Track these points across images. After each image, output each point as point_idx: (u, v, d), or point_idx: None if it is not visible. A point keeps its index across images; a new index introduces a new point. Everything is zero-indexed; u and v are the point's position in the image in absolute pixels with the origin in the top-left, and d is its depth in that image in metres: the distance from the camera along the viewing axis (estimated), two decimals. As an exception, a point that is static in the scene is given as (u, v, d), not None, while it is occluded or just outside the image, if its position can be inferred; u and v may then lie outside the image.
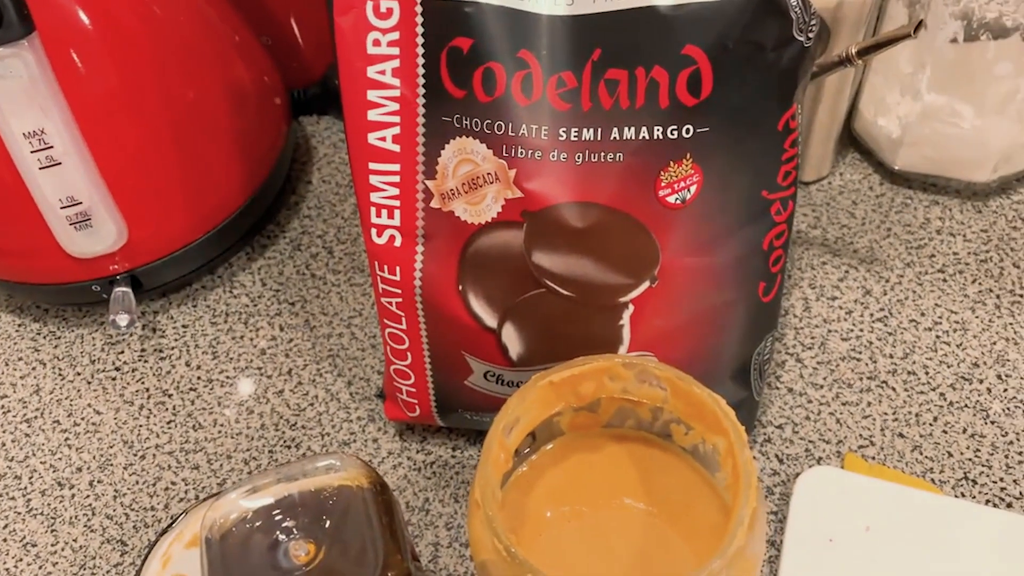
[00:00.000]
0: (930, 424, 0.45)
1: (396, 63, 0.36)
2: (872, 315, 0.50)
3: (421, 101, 0.36)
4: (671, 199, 0.37)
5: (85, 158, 0.45)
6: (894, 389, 0.47)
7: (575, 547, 0.34)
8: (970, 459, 0.44)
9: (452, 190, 0.37)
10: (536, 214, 0.37)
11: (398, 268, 0.39)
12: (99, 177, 0.46)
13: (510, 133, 0.36)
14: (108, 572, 0.44)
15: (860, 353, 0.48)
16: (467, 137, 0.36)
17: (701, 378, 0.33)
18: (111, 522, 0.46)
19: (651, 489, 0.36)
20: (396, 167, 0.38)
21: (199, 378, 0.51)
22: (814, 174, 0.56)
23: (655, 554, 0.34)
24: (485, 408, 0.43)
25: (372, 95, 0.37)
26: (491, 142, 0.36)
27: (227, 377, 0.50)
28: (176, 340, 0.52)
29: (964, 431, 0.45)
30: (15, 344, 0.53)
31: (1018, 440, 0.45)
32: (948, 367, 0.47)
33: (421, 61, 0.36)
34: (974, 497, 0.43)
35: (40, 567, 0.44)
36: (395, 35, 0.36)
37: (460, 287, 0.39)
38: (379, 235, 0.39)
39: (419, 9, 0.35)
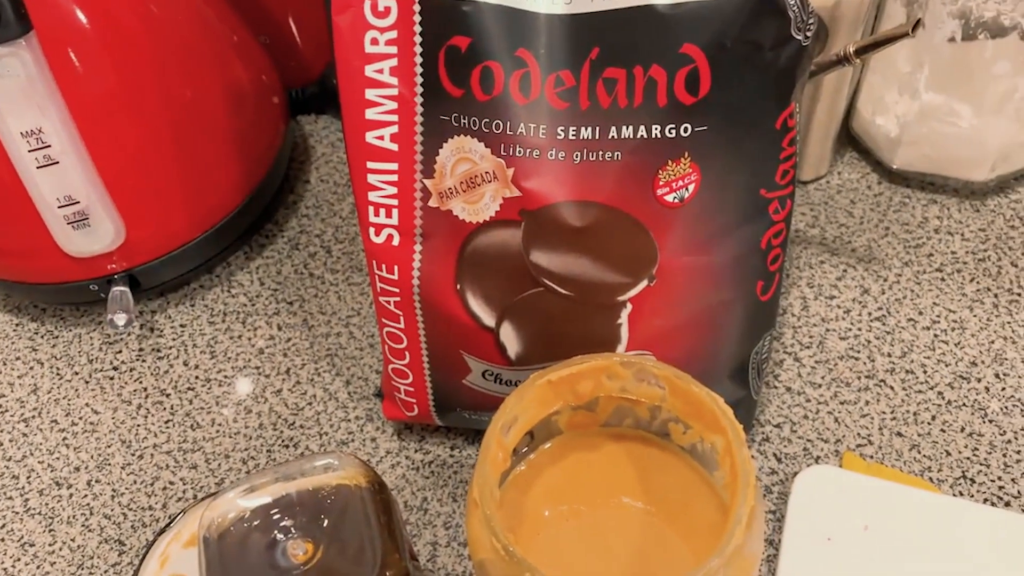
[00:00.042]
0: (928, 423, 0.45)
1: (394, 62, 0.36)
2: (870, 314, 0.50)
3: (419, 100, 0.36)
4: (669, 198, 0.37)
5: (83, 157, 0.45)
6: (892, 388, 0.47)
7: (573, 546, 0.34)
8: (968, 458, 0.44)
9: (450, 189, 0.37)
10: (534, 213, 0.37)
11: (396, 267, 0.39)
12: (97, 176, 0.46)
13: (508, 132, 0.36)
14: (106, 572, 0.44)
15: (858, 352, 0.48)
16: (465, 136, 0.36)
17: (699, 377, 0.33)
18: (109, 522, 0.45)
19: (649, 488, 0.36)
20: (394, 166, 0.38)
21: (197, 377, 0.50)
22: (812, 173, 0.56)
23: (653, 553, 0.34)
24: (483, 407, 0.43)
25: (370, 94, 0.37)
26: (489, 141, 0.36)
27: (225, 376, 0.50)
28: (174, 339, 0.52)
29: (962, 430, 0.45)
30: (13, 344, 0.53)
31: (1016, 439, 0.45)
32: (946, 366, 0.47)
33: (419, 60, 0.36)
34: (972, 496, 0.43)
35: (38, 567, 0.44)
36: (393, 34, 0.36)
37: (458, 286, 0.39)
38: (377, 234, 0.39)
39: (417, 8, 0.35)
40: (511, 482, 0.36)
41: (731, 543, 0.29)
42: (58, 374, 0.52)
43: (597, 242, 0.37)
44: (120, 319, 0.49)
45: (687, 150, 0.36)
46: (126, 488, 0.47)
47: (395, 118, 0.37)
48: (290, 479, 0.34)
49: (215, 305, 0.54)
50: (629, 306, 0.38)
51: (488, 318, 0.39)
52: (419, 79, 0.36)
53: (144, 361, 0.52)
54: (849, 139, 0.57)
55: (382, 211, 0.38)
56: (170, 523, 0.41)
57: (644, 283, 0.38)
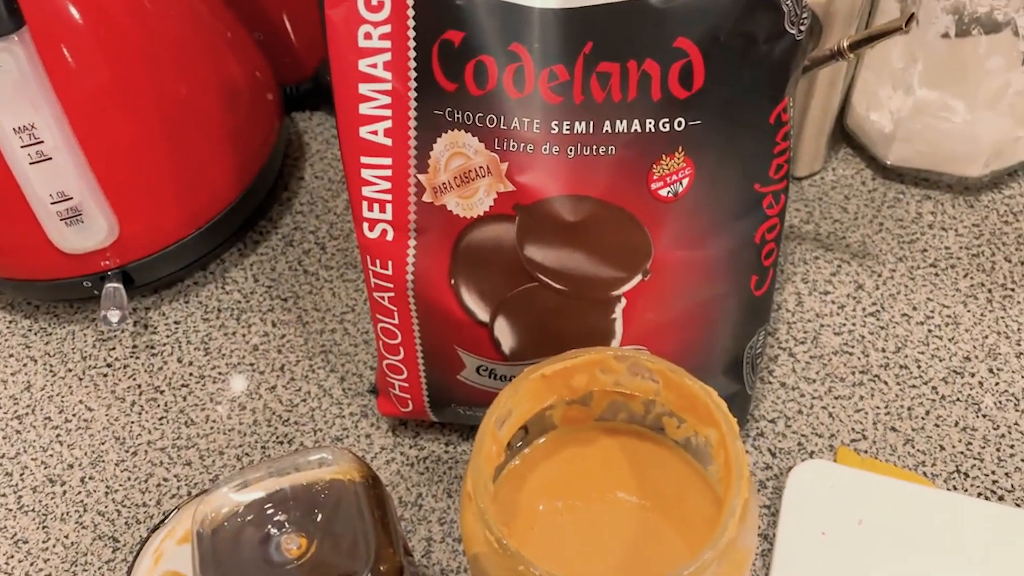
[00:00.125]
0: (922, 418, 0.46)
1: (387, 56, 0.36)
2: (864, 309, 0.50)
3: (413, 94, 0.36)
4: (663, 192, 0.37)
5: (76, 153, 0.45)
6: (886, 383, 0.47)
7: (568, 540, 0.34)
8: (962, 452, 0.44)
9: (444, 184, 0.37)
10: (528, 208, 0.36)
11: (390, 262, 0.39)
12: (90, 172, 0.46)
13: (502, 126, 0.36)
14: (100, 568, 0.44)
15: (852, 347, 0.48)
16: (459, 130, 0.36)
17: (694, 372, 0.33)
18: (103, 518, 0.45)
19: (644, 482, 0.36)
20: (388, 161, 0.38)
21: (191, 374, 0.50)
22: (807, 169, 0.56)
23: (648, 547, 0.34)
24: (478, 403, 0.43)
25: (364, 88, 0.37)
26: (483, 135, 0.36)
27: (219, 373, 0.50)
28: (168, 336, 0.52)
29: (956, 424, 0.45)
30: (6, 341, 0.53)
31: (1010, 433, 0.45)
32: (940, 361, 0.48)
33: (413, 54, 0.36)
34: (966, 490, 0.43)
35: (32, 564, 0.44)
36: (386, 28, 0.36)
37: (452, 281, 0.39)
38: (371, 229, 0.39)
39: (410, 2, 0.35)
40: (505, 477, 0.36)
41: (725, 535, 0.29)
42: (51, 371, 0.51)
43: (591, 237, 0.37)
44: (114, 316, 0.48)
45: (681, 144, 0.36)
46: (120, 485, 0.46)
47: (389, 113, 0.37)
48: (284, 474, 0.34)
49: (209, 302, 0.54)
50: (623, 300, 0.38)
51: (482, 313, 0.39)
52: (413, 73, 0.36)
53: (138, 358, 0.51)
54: (843, 135, 0.57)
55: (376, 206, 0.38)
56: (164, 520, 0.41)
57: (638, 278, 0.38)
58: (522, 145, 0.36)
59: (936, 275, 0.51)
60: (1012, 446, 0.44)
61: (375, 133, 0.37)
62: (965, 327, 0.49)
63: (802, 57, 0.37)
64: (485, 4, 0.35)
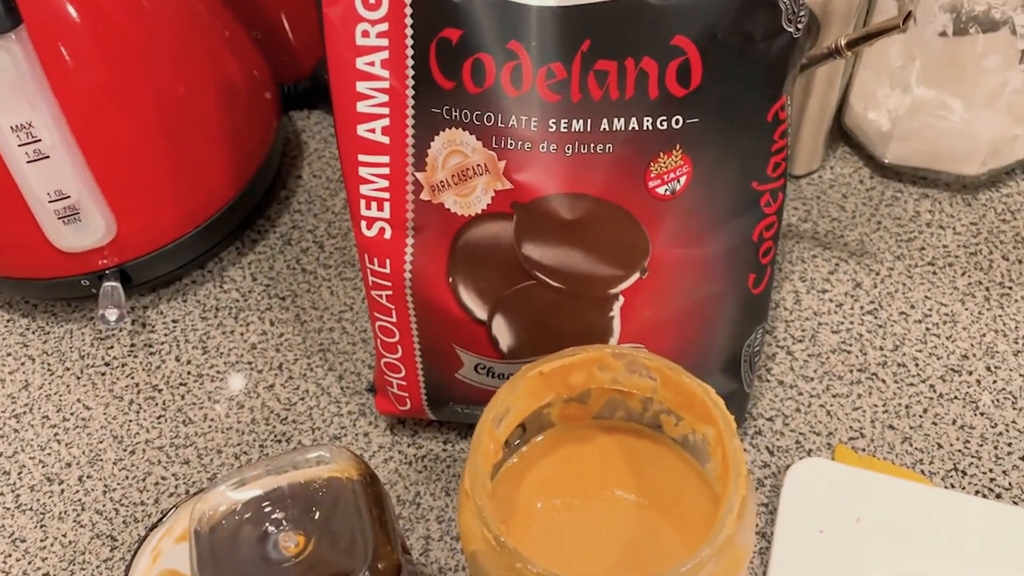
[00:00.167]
0: (920, 416, 0.46)
1: (385, 54, 0.36)
2: (862, 308, 0.50)
3: (410, 92, 0.36)
4: (661, 190, 0.37)
5: (73, 152, 0.45)
6: (884, 381, 0.47)
7: (565, 538, 0.34)
8: (960, 450, 0.44)
9: (442, 182, 0.37)
10: (526, 206, 0.36)
11: (388, 260, 0.39)
12: (87, 171, 0.46)
13: (500, 124, 0.36)
14: (98, 567, 0.44)
15: (850, 346, 0.48)
16: (457, 128, 0.36)
17: (691, 370, 0.33)
18: (101, 517, 0.45)
19: (641, 480, 0.36)
20: (386, 159, 0.38)
21: (189, 373, 0.50)
22: (804, 168, 0.56)
23: (645, 545, 0.34)
24: (476, 401, 0.43)
25: (361, 86, 0.37)
26: (481, 133, 0.36)
27: (217, 372, 0.50)
28: (166, 335, 0.52)
29: (954, 422, 0.45)
30: (3, 340, 0.53)
31: (1007, 431, 0.45)
32: (938, 359, 0.48)
33: (410, 52, 0.36)
34: (964, 488, 0.43)
35: (29, 562, 0.44)
36: (384, 26, 0.36)
37: (450, 279, 0.39)
38: (369, 227, 0.39)
39: (408, 0, 0.35)
40: (503, 475, 0.36)
41: (722, 532, 0.29)
42: (49, 370, 0.51)
43: (589, 235, 0.37)
44: (111, 314, 0.48)
45: (679, 142, 0.36)
46: (118, 484, 0.46)
47: (386, 111, 0.37)
48: (281, 472, 0.34)
49: (207, 301, 0.54)
50: (621, 298, 0.38)
51: (480, 311, 0.39)
52: (410, 71, 0.36)
53: (136, 357, 0.51)
54: (841, 134, 0.57)
55: (374, 204, 0.38)
56: (162, 518, 0.41)
57: (636, 275, 0.38)
58: (520, 143, 0.36)
59: (934, 273, 0.51)
60: (1009, 444, 0.44)
61: (373, 131, 0.37)
62: (963, 325, 0.49)
63: (800, 55, 0.37)
64: (483, 2, 0.35)
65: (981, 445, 0.44)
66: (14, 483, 0.47)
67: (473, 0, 0.34)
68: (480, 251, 0.38)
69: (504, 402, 0.33)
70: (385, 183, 0.38)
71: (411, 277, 0.39)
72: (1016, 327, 0.49)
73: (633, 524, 0.34)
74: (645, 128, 0.35)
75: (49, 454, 0.48)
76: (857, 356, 0.48)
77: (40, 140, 0.44)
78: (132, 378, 0.50)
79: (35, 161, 0.44)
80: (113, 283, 0.49)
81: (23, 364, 0.52)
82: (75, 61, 0.45)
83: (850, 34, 0.42)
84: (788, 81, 0.37)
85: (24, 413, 0.50)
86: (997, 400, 0.46)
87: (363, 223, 0.39)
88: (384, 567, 0.32)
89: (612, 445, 0.36)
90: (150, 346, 0.52)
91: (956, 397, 0.46)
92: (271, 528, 0.33)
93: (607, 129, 0.35)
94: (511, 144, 0.36)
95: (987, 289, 0.50)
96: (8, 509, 0.46)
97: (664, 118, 0.35)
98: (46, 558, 0.44)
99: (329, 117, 0.62)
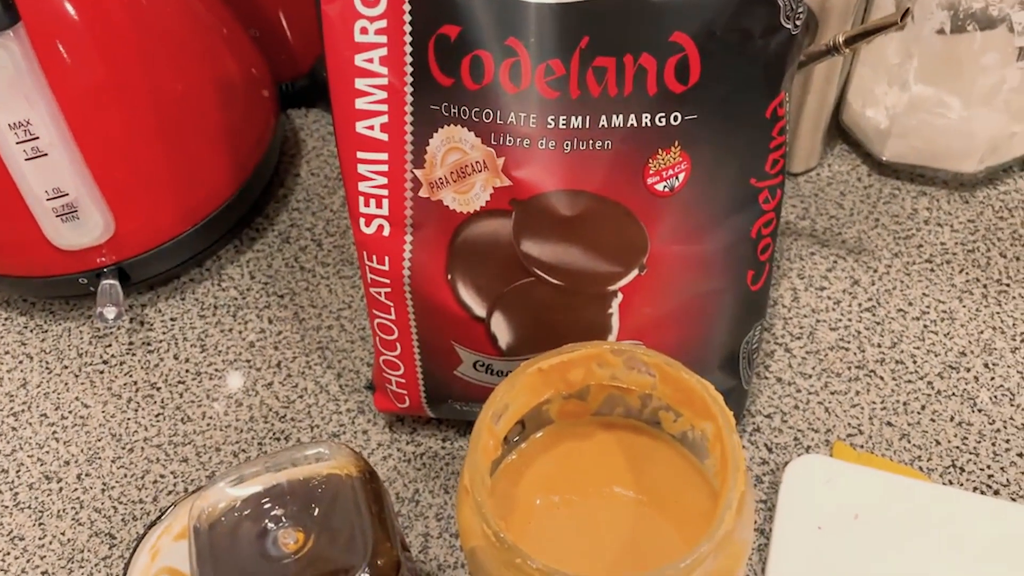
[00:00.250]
0: (918, 412, 0.46)
1: (384, 51, 0.36)
2: (860, 305, 0.50)
3: (409, 89, 0.36)
4: (659, 187, 0.37)
5: (71, 150, 0.45)
6: (882, 378, 0.47)
7: (564, 534, 0.34)
8: (958, 447, 0.44)
9: (441, 179, 0.37)
10: (525, 202, 0.36)
11: (387, 258, 0.39)
12: (85, 169, 0.46)
13: (498, 121, 0.36)
14: (96, 565, 0.44)
15: (848, 343, 0.48)
16: (455, 125, 0.36)
17: (690, 367, 0.33)
18: (99, 515, 0.45)
19: (640, 477, 0.36)
20: (384, 156, 0.38)
21: (187, 371, 0.50)
22: (803, 165, 0.56)
23: (644, 541, 0.34)
24: (475, 398, 0.43)
25: (360, 83, 0.37)
26: (479, 130, 0.36)
27: (216, 370, 0.50)
28: (164, 333, 0.52)
29: (952, 419, 0.45)
30: (1, 338, 0.53)
31: (1005, 428, 0.45)
32: (936, 356, 0.48)
33: (409, 49, 0.36)
34: (962, 484, 0.43)
35: (28, 560, 0.44)
36: (382, 23, 0.36)
37: (449, 276, 0.39)
38: (367, 224, 0.39)
39: (406, -3, 0.35)
40: (502, 471, 0.36)
41: (721, 528, 0.29)
42: (47, 368, 0.51)
43: (588, 231, 0.37)
44: (110, 313, 0.48)
45: (677, 139, 0.36)
46: (116, 482, 0.46)
47: (385, 108, 0.37)
48: (280, 469, 0.34)
49: (205, 299, 0.53)
50: (620, 295, 0.38)
51: (479, 308, 0.39)
52: (409, 68, 0.36)
53: (134, 355, 0.51)
54: (839, 131, 0.58)
55: (372, 201, 0.38)
56: (161, 516, 0.40)
57: (635, 272, 0.38)
58: (518, 140, 0.36)
59: (932, 271, 0.51)
60: (1007, 441, 0.44)
61: (371, 128, 0.37)
62: (961, 322, 0.49)
63: (798, 52, 0.37)
64: (481, -1, 0.35)
65: (979, 442, 0.44)
66: (12, 481, 0.47)
67: (472, -3, 0.35)
68: (479, 248, 0.38)
69: (503, 399, 0.33)
70: (384, 180, 0.38)
71: (410, 274, 0.39)
72: (1014, 324, 0.49)
73: (632, 520, 0.34)
74: (644, 125, 0.35)
75: (47, 452, 0.48)
76: (855, 353, 0.48)
77: (38, 138, 0.44)
78: (130, 376, 0.50)
79: (33, 159, 0.44)
80: (111, 281, 0.49)
81: (21, 362, 0.52)
82: (73, 59, 0.45)
83: (848, 31, 0.42)
84: (786, 78, 0.37)
85: (22, 411, 0.50)
86: (995, 397, 0.46)
87: (362, 220, 0.39)
88: (383, 564, 0.32)
89: (611, 441, 0.36)
90: (148, 344, 0.52)
91: (954, 394, 0.46)
92: (270, 525, 0.33)
93: (606, 126, 0.35)
94: (510, 141, 0.36)
95: (985, 286, 0.50)
96: (7, 507, 0.46)
97: (663, 115, 0.35)
98: (45, 556, 0.44)
99: (327, 115, 0.62)
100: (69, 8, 0.45)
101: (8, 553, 0.44)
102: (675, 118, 0.35)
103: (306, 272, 0.54)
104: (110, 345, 0.52)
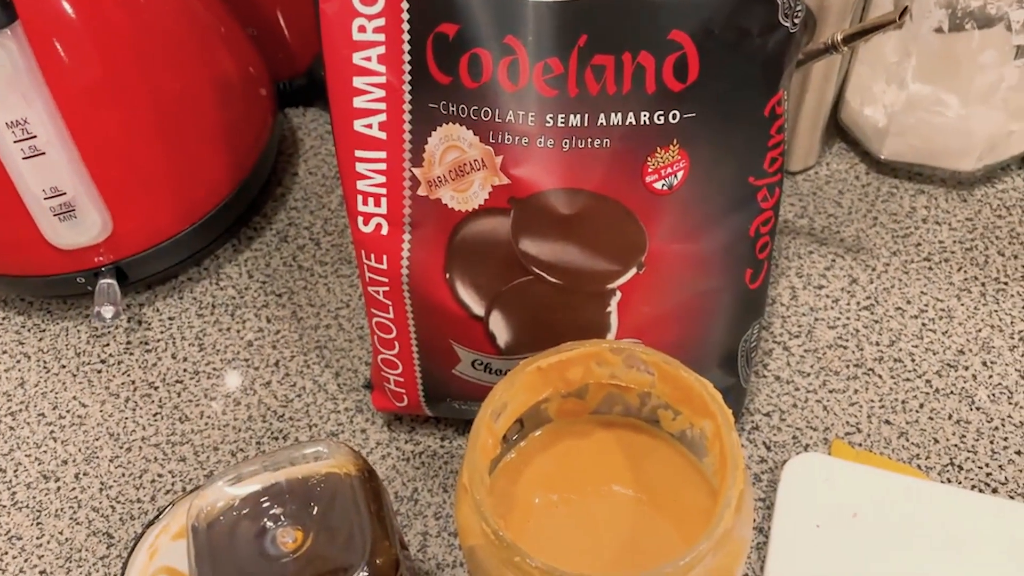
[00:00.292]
0: (916, 411, 0.46)
1: (382, 49, 0.36)
2: (858, 303, 0.50)
3: (407, 88, 0.36)
4: (658, 185, 0.37)
5: (69, 148, 0.45)
6: (880, 376, 0.47)
7: (563, 533, 0.34)
8: (956, 445, 0.44)
9: (439, 177, 0.37)
10: (523, 201, 0.36)
11: (385, 256, 0.39)
12: (83, 167, 0.46)
13: (496, 119, 0.36)
14: (94, 565, 0.44)
15: (847, 341, 0.48)
16: (453, 124, 0.36)
17: (689, 365, 0.33)
18: (97, 515, 0.45)
19: (639, 475, 0.36)
20: (382, 154, 0.37)
21: (185, 370, 0.50)
22: (801, 164, 0.56)
23: (643, 540, 0.34)
24: (473, 397, 0.43)
25: (358, 82, 0.36)
26: (478, 128, 0.36)
27: (214, 369, 0.50)
28: (162, 332, 0.52)
29: (950, 417, 0.45)
30: (-1, 337, 0.53)
31: (1003, 426, 0.45)
32: (934, 354, 0.48)
33: (407, 47, 0.36)
34: (960, 483, 0.43)
35: (26, 560, 0.44)
36: (380, 21, 0.36)
37: (447, 275, 0.39)
38: (366, 223, 0.39)
39: (405, -6, 0.35)
40: (501, 470, 0.36)
41: (720, 526, 0.29)
42: (45, 367, 0.51)
43: (586, 230, 0.37)
44: (107, 312, 0.48)
45: (676, 137, 0.36)
46: (114, 481, 0.46)
47: (383, 106, 0.37)
48: (279, 467, 0.34)
49: (203, 298, 0.53)
50: (618, 294, 0.38)
51: (477, 307, 0.39)
52: (407, 67, 0.36)
53: (132, 354, 0.51)
54: (838, 130, 0.58)
55: (371, 200, 0.38)
56: (159, 515, 0.40)
57: (633, 271, 0.38)
58: (517, 138, 0.36)
59: (930, 269, 0.51)
60: (1006, 439, 0.45)
61: (369, 127, 0.37)
62: (959, 320, 0.49)
63: (796, 50, 0.37)
64: (479, -3, 0.35)
65: (977, 440, 0.44)
66: (10, 481, 0.47)
67: (470, -5, 0.34)
68: (477, 247, 0.38)
69: (502, 397, 0.33)
70: (382, 179, 0.38)
71: (408, 273, 0.39)
72: (1012, 322, 0.49)
73: (631, 519, 0.34)
74: (642, 123, 0.35)
75: (45, 451, 0.48)
76: (853, 351, 0.48)
77: (35, 137, 0.44)
78: (128, 375, 0.50)
79: (30, 158, 0.44)
80: (109, 280, 0.49)
81: (19, 362, 0.52)
82: (70, 57, 0.45)
83: (846, 29, 0.42)
84: (784, 76, 0.37)
85: (20, 411, 0.50)
86: (993, 395, 0.46)
87: (360, 219, 0.39)
88: (382, 563, 0.32)
89: (610, 440, 0.36)
90: (146, 343, 0.52)
91: (952, 392, 0.46)
92: (269, 524, 0.33)
93: (604, 124, 0.35)
94: (508, 139, 0.36)
95: (983, 284, 0.50)
96: (4, 507, 0.46)
97: (661, 113, 0.35)
98: (43, 555, 0.44)
99: (325, 114, 0.62)
100: (66, 7, 0.45)
101: (6, 553, 0.44)
102: (674, 116, 0.35)
103: (304, 271, 0.54)
104: (108, 344, 0.52)
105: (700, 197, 0.37)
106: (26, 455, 0.48)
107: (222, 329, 0.52)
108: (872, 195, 0.55)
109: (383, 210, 0.38)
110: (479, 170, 0.36)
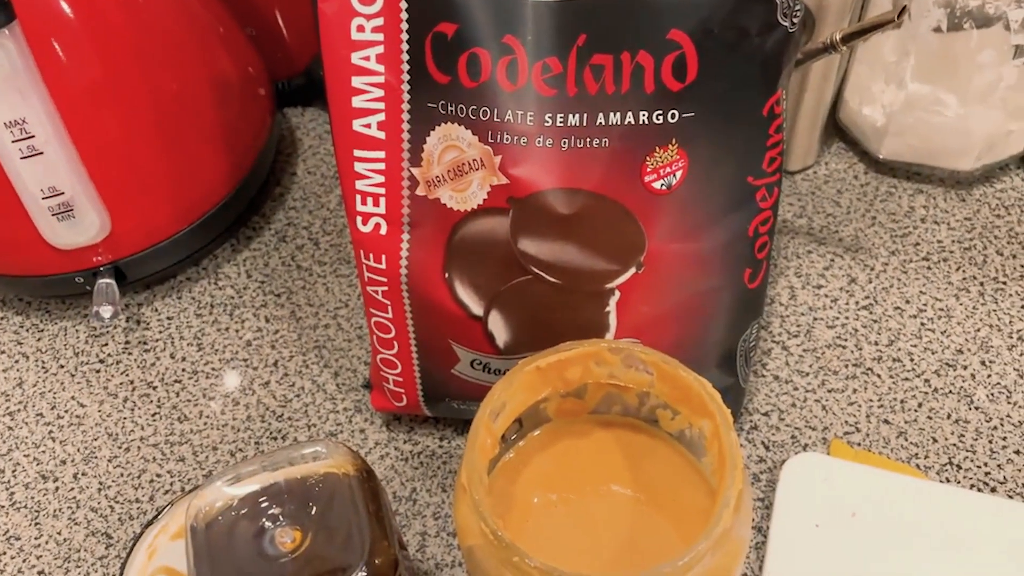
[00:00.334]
0: (915, 410, 0.46)
1: (380, 49, 0.36)
2: (857, 303, 0.50)
3: (406, 87, 0.36)
4: (657, 185, 0.37)
5: (67, 148, 0.45)
6: (879, 376, 0.47)
7: (562, 533, 0.34)
8: (954, 444, 0.44)
9: (438, 177, 0.37)
10: (522, 201, 0.36)
11: (384, 256, 0.39)
12: (81, 167, 0.46)
13: (495, 119, 0.36)
14: (93, 565, 0.44)
15: (845, 341, 0.48)
16: (452, 123, 0.36)
17: (687, 364, 0.33)
18: (96, 515, 0.45)
19: (638, 475, 0.36)
20: (381, 154, 0.37)
21: (184, 370, 0.50)
22: (800, 164, 0.56)
23: (642, 539, 0.34)
24: (472, 397, 0.43)
25: (356, 81, 0.36)
26: (476, 128, 0.36)
27: (212, 369, 0.50)
28: (160, 332, 0.52)
29: (948, 417, 0.45)
30: (-3, 337, 0.53)
31: (1002, 425, 0.45)
32: (932, 354, 0.48)
33: (405, 47, 0.36)
34: (959, 482, 0.43)
35: (24, 560, 0.44)
36: (379, 21, 0.36)
37: (446, 275, 0.39)
38: (364, 223, 0.39)
39: (403, -6, 0.35)
40: (499, 470, 0.36)
41: (719, 526, 0.29)
42: (43, 367, 0.51)
43: (585, 229, 0.37)
44: (106, 312, 0.48)
45: (674, 136, 0.36)
46: (113, 481, 0.46)
47: (382, 106, 0.37)
48: (278, 467, 0.34)
49: (202, 298, 0.53)
50: (617, 293, 0.38)
51: (476, 307, 0.39)
52: (406, 66, 0.36)
53: (130, 354, 0.51)
54: (836, 129, 0.58)
55: (369, 200, 0.38)
56: (157, 515, 0.40)
57: (632, 270, 0.38)
58: (515, 138, 0.36)
59: (928, 268, 0.51)
60: (1004, 438, 0.45)
61: (368, 126, 0.37)
62: (957, 320, 0.49)
63: (795, 49, 0.37)
64: (478, -4, 0.35)
65: (976, 439, 0.45)
66: (8, 481, 0.47)
67: (468, -6, 0.34)
68: (476, 246, 0.38)
69: (501, 397, 0.33)
70: (381, 179, 0.38)
71: (407, 273, 0.39)
72: (1010, 322, 0.49)
73: (630, 518, 0.34)
74: (641, 122, 0.35)
75: (43, 452, 0.48)
76: (852, 351, 0.48)
77: (34, 136, 0.44)
78: (127, 375, 0.50)
79: (29, 157, 0.44)
80: (107, 280, 0.49)
81: (17, 362, 0.52)
82: (69, 57, 0.45)
83: (845, 29, 0.42)
84: (783, 76, 0.37)
85: (18, 411, 0.49)
86: (992, 394, 0.46)
87: (359, 219, 0.39)
88: (381, 563, 0.32)
89: (609, 440, 0.36)
90: (145, 343, 0.52)
91: (951, 392, 0.46)
92: (267, 524, 0.33)
93: (603, 123, 0.35)
94: (507, 139, 0.36)
95: (981, 284, 0.50)
96: (2, 507, 0.46)
97: (660, 112, 0.35)
98: (41, 556, 0.44)
99: (324, 114, 0.62)
100: (65, 6, 0.45)
101: (4, 553, 0.44)
102: (672, 116, 0.35)
103: (303, 271, 0.54)
104: (106, 344, 0.52)
105: (699, 197, 0.37)
106: (24, 455, 0.48)
107: (221, 329, 0.52)
108: (871, 195, 0.55)
109: (382, 210, 0.38)
110: (478, 170, 0.36)
